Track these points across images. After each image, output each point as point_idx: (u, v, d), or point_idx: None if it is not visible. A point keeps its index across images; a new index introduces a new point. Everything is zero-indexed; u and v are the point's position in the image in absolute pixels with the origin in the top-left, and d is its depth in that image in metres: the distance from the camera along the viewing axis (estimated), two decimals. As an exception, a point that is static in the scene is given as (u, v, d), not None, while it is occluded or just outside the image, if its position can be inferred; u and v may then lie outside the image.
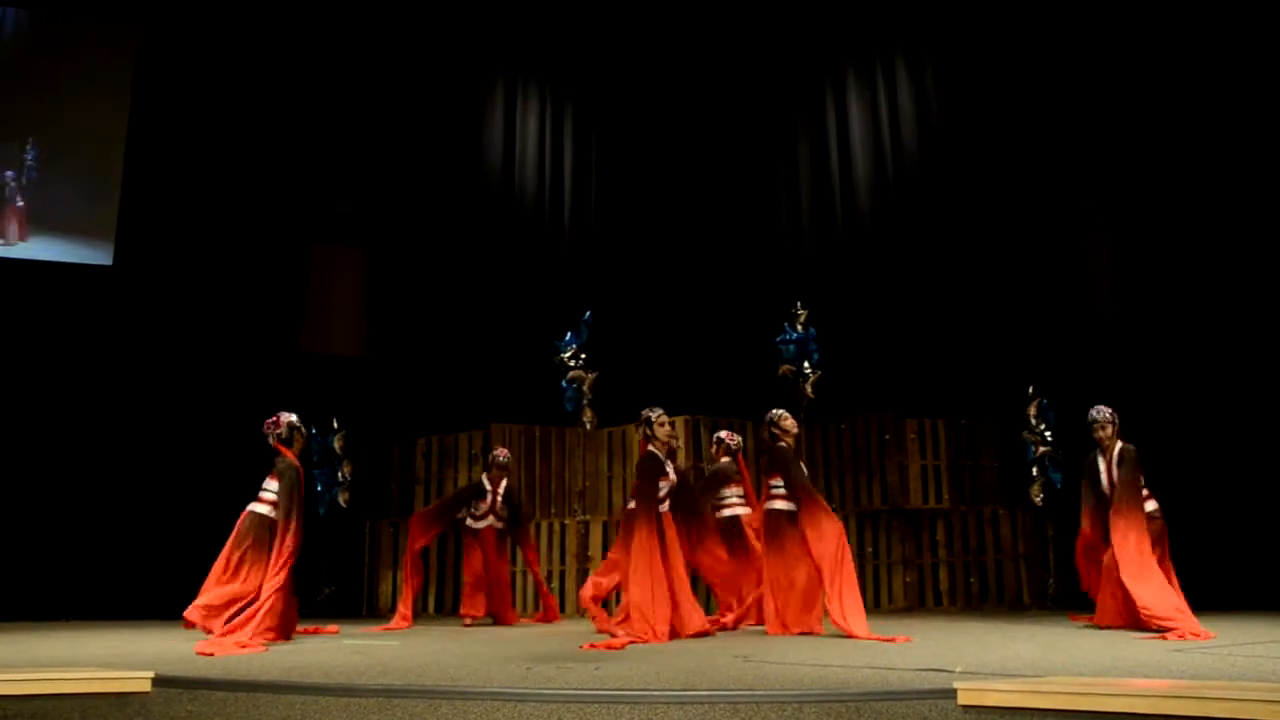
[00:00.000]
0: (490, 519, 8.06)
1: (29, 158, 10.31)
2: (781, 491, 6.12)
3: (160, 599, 8.27)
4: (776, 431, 6.25)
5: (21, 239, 10.18)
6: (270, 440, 6.26)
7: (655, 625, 5.53)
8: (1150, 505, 6.20)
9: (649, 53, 12.14)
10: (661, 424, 6.14)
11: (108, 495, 9.60)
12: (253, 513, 6.10)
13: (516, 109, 12.06)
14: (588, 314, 9.79)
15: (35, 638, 6.37)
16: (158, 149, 10.53)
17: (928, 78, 11.12)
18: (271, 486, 6.14)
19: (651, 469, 5.98)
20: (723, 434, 7.44)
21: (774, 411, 6.34)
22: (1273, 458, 8.43)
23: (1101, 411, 6.35)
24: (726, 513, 7.17)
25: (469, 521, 8.12)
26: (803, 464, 6.26)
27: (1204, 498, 8.39)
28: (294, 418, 6.32)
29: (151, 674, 3.60)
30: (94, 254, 10.33)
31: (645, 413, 6.19)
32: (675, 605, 5.74)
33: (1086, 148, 9.88)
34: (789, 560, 5.95)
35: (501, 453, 8.23)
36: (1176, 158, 9.29)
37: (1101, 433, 6.32)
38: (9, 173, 10.24)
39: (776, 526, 6.06)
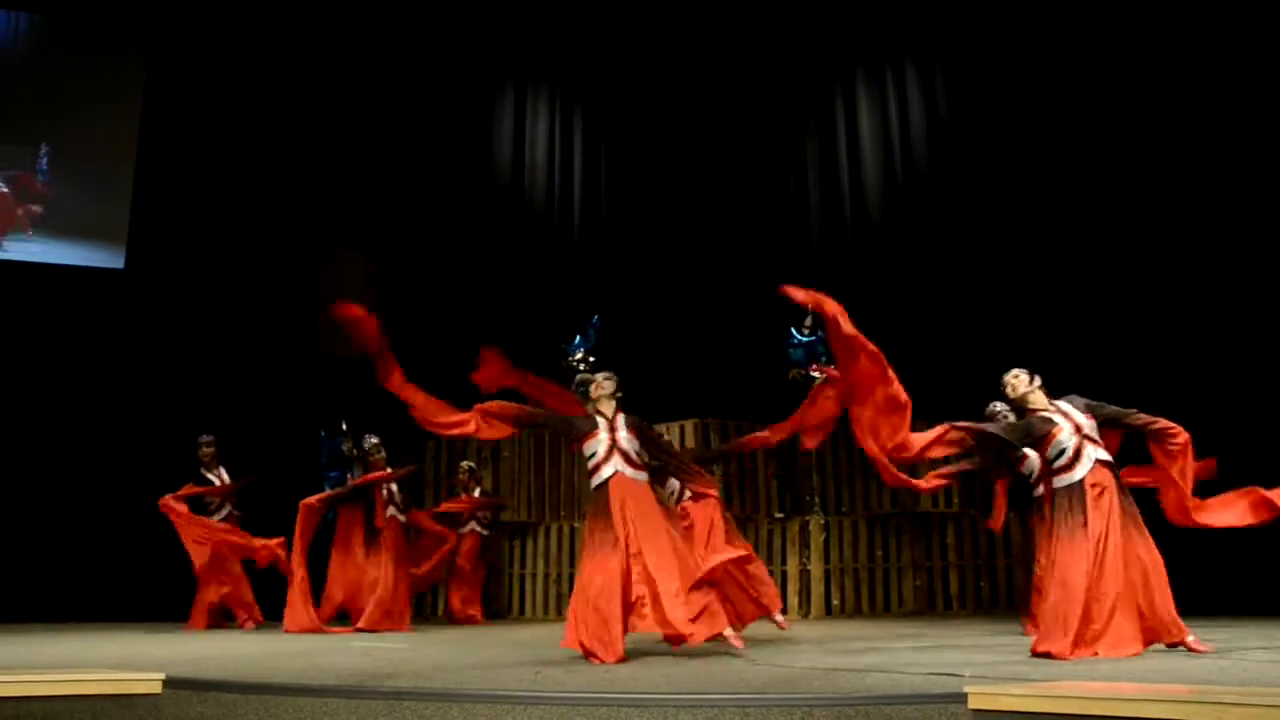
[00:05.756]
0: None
1: (42, 161, 10.35)
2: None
3: (172, 601, 8.29)
4: None
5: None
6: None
7: None
8: None
9: (658, 57, 12.14)
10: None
11: (119, 497, 9.61)
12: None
13: (526, 113, 12.07)
14: (596, 318, 9.79)
15: (46, 639, 6.39)
16: (169, 153, 10.55)
17: (937, 83, 11.09)
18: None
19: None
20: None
21: None
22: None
23: None
24: None
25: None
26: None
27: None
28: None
29: (162, 675, 3.61)
30: (106, 257, 10.37)
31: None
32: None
33: (1096, 149, 9.84)
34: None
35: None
36: (1188, 156, 9.23)
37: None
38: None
39: None
